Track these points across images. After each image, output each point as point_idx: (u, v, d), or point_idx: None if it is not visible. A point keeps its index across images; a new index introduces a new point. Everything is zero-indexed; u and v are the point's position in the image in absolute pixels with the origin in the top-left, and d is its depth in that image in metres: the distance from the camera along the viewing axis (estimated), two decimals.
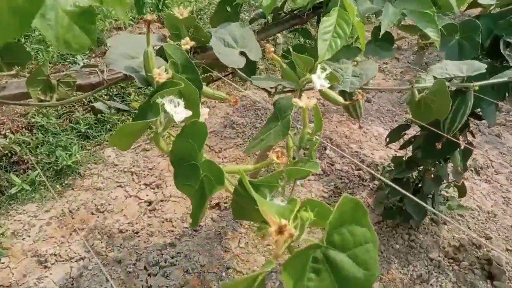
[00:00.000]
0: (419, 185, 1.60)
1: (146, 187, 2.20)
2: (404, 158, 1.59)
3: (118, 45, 0.73)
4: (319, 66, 0.69)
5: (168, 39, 0.93)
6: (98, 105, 0.99)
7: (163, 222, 1.98)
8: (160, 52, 0.91)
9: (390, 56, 1.02)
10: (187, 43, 0.83)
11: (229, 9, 1.24)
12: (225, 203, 2.07)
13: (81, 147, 2.42)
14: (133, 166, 2.34)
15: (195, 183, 0.60)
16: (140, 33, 3.21)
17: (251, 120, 2.64)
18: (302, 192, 2.11)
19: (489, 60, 1.06)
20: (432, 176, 1.47)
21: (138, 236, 1.92)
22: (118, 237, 1.91)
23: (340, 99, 0.79)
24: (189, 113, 0.58)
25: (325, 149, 2.41)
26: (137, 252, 1.84)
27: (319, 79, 0.69)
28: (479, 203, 2.08)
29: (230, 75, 1.16)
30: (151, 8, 3.75)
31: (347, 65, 0.87)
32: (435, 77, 0.88)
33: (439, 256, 1.73)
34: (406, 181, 1.55)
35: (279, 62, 0.74)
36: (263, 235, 0.44)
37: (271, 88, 0.89)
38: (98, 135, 2.51)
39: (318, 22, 1.28)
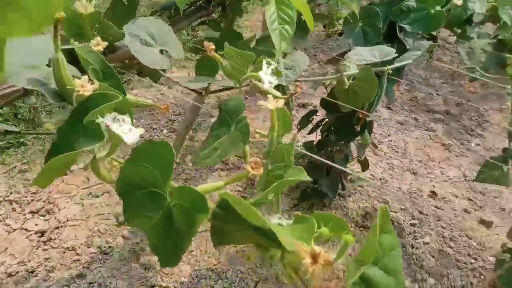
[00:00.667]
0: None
1: (33, 216, 1.86)
2: (314, 143, 1.66)
3: (13, 53, 0.56)
4: (264, 62, 0.64)
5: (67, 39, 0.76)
6: None
7: (64, 252, 1.70)
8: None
9: (307, 44, 1.03)
10: (98, 43, 0.68)
11: (125, 1, 1.09)
12: None
13: None
14: (11, 193, 1.95)
15: (155, 213, 0.49)
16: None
17: (147, 121, 2.45)
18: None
19: (389, 44, 1.15)
20: (340, 152, 1.57)
21: (35, 276, 1.61)
22: (8, 282, 1.58)
23: (278, 94, 0.76)
24: (140, 131, 0.47)
25: None
26: None
27: (266, 76, 0.64)
28: (372, 172, 2.32)
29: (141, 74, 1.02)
30: None
31: (278, 57, 0.84)
32: (357, 65, 0.91)
33: (351, 226, 1.88)
34: (320, 164, 1.62)
35: (219, 61, 0.66)
36: (292, 269, 0.38)
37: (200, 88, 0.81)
38: None
39: (223, 11, 1.22)
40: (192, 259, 1.75)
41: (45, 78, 0.57)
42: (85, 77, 0.53)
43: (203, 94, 0.80)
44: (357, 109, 1.01)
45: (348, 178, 2.03)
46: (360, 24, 1.14)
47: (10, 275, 1.61)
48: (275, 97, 0.76)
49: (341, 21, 1.24)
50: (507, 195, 2.27)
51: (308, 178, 0.44)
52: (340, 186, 1.80)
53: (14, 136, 2.17)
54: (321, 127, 1.64)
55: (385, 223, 0.37)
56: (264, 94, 0.76)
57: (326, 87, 1.57)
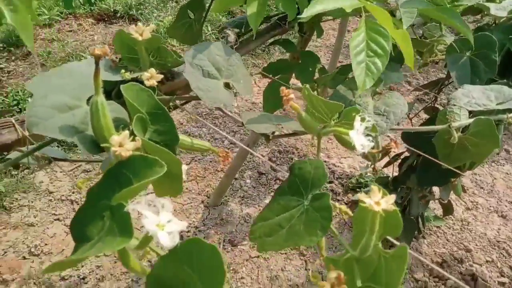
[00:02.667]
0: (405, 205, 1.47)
1: None
2: (389, 178, 1.45)
3: (46, 91, 0.46)
4: (357, 118, 0.48)
5: (119, 65, 0.66)
6: (14, 155, 0.69)
7: (115, 262, 1.68)
8: (109, 85, 0.65)
9: (399, 79, 0.84)
10: (152, 76, 0.57)
11: (192, 15, 0.99)
12: (188, 231, 1.81)
13: (5, 173, 2.01)
14: (73, 192, 1.99)
15: None
16: (74, 41, 2.78)
17: (209, 131, 2.39)
18: None
19: (504, 81, 0.92)
20: (422, 198, 1.35)
21: (86, 283, 1.60)
22: (60, 286, 1.58)
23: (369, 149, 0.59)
24: (183, 225, 0.34)
25: (292, 160, 2.23)
26: None
27: (358, 136, 0.48)
28: None
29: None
30: (81, 1, 3.30)
31: (367, 98, 0.67)
32: (469, 112, 0.71)
33: (424, 275, 1.64)
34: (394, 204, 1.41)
35: (298, 111, 0.52)
36: None
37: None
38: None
39: (300, 30, 1.08)
40: (242, 287, 1.63)
41: (82, 123, 0.47)
42: (126, 133, 0.41)
43: (270, 138, 0.66)
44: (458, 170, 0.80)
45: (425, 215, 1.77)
46: (468, 54, 0.92)
47: (63, 278, 1.62)
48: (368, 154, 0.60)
49: (440, 48, 1.03)
50: None
51: None
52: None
53: None
54: (399, 160, 1.42)
55: None
56: (348, 146, 0.60)
57: (410, 119, 1.35)
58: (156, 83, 0.58)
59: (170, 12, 3.28)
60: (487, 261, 1.73)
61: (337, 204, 0.51)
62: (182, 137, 0.61)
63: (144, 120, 0.47)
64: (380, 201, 0.34)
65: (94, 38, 3.01)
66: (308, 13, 0.64)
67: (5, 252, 1.68)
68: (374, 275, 0.38)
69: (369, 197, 0.34)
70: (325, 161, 2.25)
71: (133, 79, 0.59)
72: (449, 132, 0.68)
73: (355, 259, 0.38)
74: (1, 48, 2.69)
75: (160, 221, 0.33)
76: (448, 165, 0.73)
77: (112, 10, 3.26)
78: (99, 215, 0.40)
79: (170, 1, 3.45)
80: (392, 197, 0.34)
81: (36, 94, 0.44)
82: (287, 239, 0.46)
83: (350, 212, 0.53)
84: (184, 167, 0.55)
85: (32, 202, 1.91)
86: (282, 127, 0.68)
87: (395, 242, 0.49)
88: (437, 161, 0.73)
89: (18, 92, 2.32)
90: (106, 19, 3.23)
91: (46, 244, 1.72)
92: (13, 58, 2.68)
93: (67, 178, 2.06)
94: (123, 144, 0.41)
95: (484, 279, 1.62)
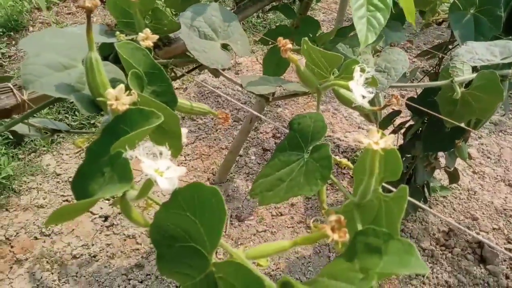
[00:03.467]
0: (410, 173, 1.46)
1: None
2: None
3: (39, 49, 0.45)
4: (357, 68, 0.47)
5: (114, 29, 0.65)
6: (19, 128, 0.70)
7: (125, 240, 1.71)
8: (105, 50, 0.64)
9: (401, 39, 0.82)
10: (147, 37, 0.57)
11: None
12: None
13: (12, 156, 2.03)
14: None
15: (197, 274, 0.37)
16: (73, 23, 2.75)
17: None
18: None
19: (510, 37, 0.90)
20: (427, 165, 1.34)
21: (97, 260, 1.63)
22: (72, 264, 1.61)
23: (368, 106, 0.58)
24: (182, 170, 0.34)
25: None
26: (98, 280, 1.56)
27: (358, 87, 0.47)
28: None
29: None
30: None
31: (367, 56, 0.66)
32: (473, 68, 0.69)
33: (430, 244, 1.64)
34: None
35: (297, 64, 0.51)
36: None
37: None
38: (31, 140, 2.12)
39: None
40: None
41: (79, 83, 0.46)
42: (121, 86, 0.41)
43: (270, 99, 0.65)
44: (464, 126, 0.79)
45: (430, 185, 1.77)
46: (472, 11, 0.89)
47: (75, 257, 1.65)
48: (366, 112, 0.61)
49: (444, 6, 1.01)
50: None
51: (426, 271, 0.28)
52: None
53: (85, 117, 2.23)
54: (404, 129, 1.41)
55: None
56: (348, 104, 0.59)
57: (413, 81, 1.33)
58: (152, 44, 0.57)
59: None
60: (493, 229, 1.73)
61: (337, 157, 0.50)
62: (181, 100, 0.60)
63: (140, 77, 0.47)
64: (378, 141, 0.34)
65: (93, 20, 2.98)
66: None
67: (17, 233, 1.72)
68: (375, 219, 0.38)
69: (368, 137, 0.34)
70: (329, 136, 2.24)
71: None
72: (452, 88, 0.67)
73: (355, 205, 0.38)
74: (1, 33, 2.68)
75: (159, 168, 0.33)
76: (453, 122, 0.72)
77: None
78: (100, 172, 0.40)
79: None
80: (391, 137, 0.34)
81: (30, 52, 0.43)
82: (288, 191, 0.46)
83: (350, 165, 0.52)
84: (184, 130, 0.55)
85: (40, 184, 1.94)
86: (282, 89, 0.67)
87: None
88: (442, 118, 0.72)
89: (20, 76, 2.32)
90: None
91: (56, 225, 1.75)
92: (13, 43, 2.67)
93: (73, 160, 2.08)
94: (119, 98, 0.41)
95: (490, 246, 1.62)
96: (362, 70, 0.47)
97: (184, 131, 0.54)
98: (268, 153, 2.13)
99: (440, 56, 1.26)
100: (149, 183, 0.34)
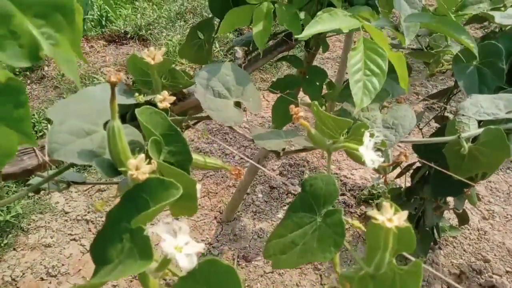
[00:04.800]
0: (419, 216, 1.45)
1: None
2: (402, 189, 1.44)
3: (64, 116, 0.48)
4: (366, 133, 0.49)
5: (132, 88, 0.69)
6: (35, 180, 0.72)
7: (131, 281, 1.69)
8: (123, 109, 0.67)
9: (404, 92, 0.85)
10: (164, 99, 0.59)
11: (201, 36, 1.01)
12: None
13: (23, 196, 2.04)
14: (88, 212, 2.01)
15: None
16: (92, 81, 2.84)
17: (220, 146, 2.41)
18: None
19: None
20: (436, 208, 1.33)
21: None
22: None
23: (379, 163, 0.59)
24: (200, 247, 0.35)
25: (303, 173, 2.23)
26: None
27: (368, 152, 0.48)
28: None
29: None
30: (92, 24, 3.40)
31: (375, 112, 0.68)
32: (479, 122, 0.71)
33: None
34: (408, 216, 1.39)
35: (308, 128, 0.53)
36: None
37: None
38: None
39: (307, 45, 1.09)
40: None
41: (100, 147, 0.48)
42: (142, 156, 0.43)
43: (280, 154, 0.67)
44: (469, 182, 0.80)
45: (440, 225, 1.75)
46: (475, 62, 0.92)
47: None
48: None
49: (446, 58, 1.04)
50: None
51: None
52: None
53: None
54: (411, 171, 1.42)
55: None
56: (358, 160, 0.61)
57: (420, 129, 1.35)
58: (169, 105, 0.60)
59: (178, 31, 3.35)
60: (507, 272, 1.69)
61: (349, 219, 0.51)
62: (195, 156, 0.62)
63: (158, 143, 0.49)
64: (392, 218, 0.35)
65: (106, 59, 3.08)
66: (306, 33, 0.66)
67: (24, 274, 1.71)
68: None
69: (381, 213, 0.35)
70: (336, 173, 2.24)
71: (146, 102, 0.61)
72: (459, 143, 0.68)
73: (370, 276, 0.38)
74: (17, 73, 2.77)
75: (178, 244, 0.34)
76: (460, 176, 0.73)
77: (122, 31, 3.34)
78: (119, 238, 0.41)
79: (178, 20, 3.52)
80: (405, 214, 0.35)
81: (55, 121, 0.46)
82: (301, 256, 0.47)
83: (363, 227, 0.53)
84: (198, 186, 0.56)
85: (48, 223, 1.94)
86: (292, 143, 0.69)
87: (410, 257, 0.49)
88: (448, 173, 0.73)
89: (34, 114, 2.38)
90: (117, 40, 3.32)
91: (63, 265, 1.74)
92: (28, 82, 2.76)
93: (82, 198, 2.09)
94: (139, 167, 0.43)
95: None
96: (371, 135, 0.49)
97: (198, 187, 0.56)
98: (275, 191, 2.14)
99: (445, 100, 1.29)
100: (168, 260, 0.35)
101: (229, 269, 0.33)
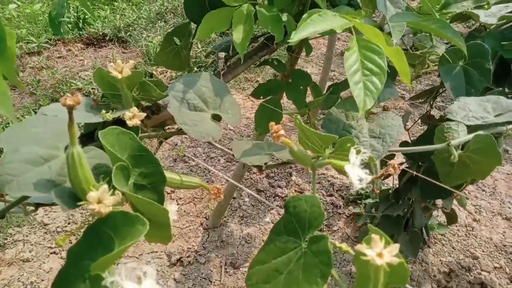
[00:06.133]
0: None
1: None
2: (390, 190, 1.42)
3: (18, 143, 0.43)
4: (352, 150, 0.45)
5: (100, 103, 0.64)
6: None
7: None
8: (90, 126, 0.62)
9: (392, 95, 0.82)
10: (134, 116, 0.55)
11: (178, 41, 0.96)
12: (187, 256, 1.76)
13: None
14: (69, 223, 1.94)
15: None
16: (64, 68, 2.74)
17: (204, 150, 2.36)
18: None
19: (500, 89, 0.90)
20: (425, 210, 1.31)
21: None
22: None
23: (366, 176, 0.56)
24: None
25: (291, 175, 2.20)
26: None
27: (354, 169, 0.45)
28: None
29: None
30: (69, 26, 3.29)
31: (361, 121, 0.65)
32: (467, 126, 0.68)
33: (431, 287, 1.59)
34: (397, 217, 1.37)
35: (290, 146, 0.49)
36: None
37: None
38: None
39: (289, 49, 1.06)
40: None
41: (60, 175, 0.44)
42: (104, 187, 0.38)
43: (263, 169, 0.63)
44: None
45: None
46: (461, 63, 0.90)
47: None
48: None
49: (431, 58, 1.02)
50: None
51: None
52: None
53: None
54: (401, 175, 1.40)
55: None
56: (344, 173, 0.57)
57: (407, 130, 1.33)
58: (139, 122, 0.55)
59: (159, 32, 3.27)
60: (495, 268, 1.69)
61: (337, 243, 0.47)
62: (169, 175, 0.58)
63: (125, 168, 0.44)
64: (382, 252, 0.31)
65: (84, 63, 2.99)
66: (297, 36, 0.62)
67: None
68: None
69: (371, 248, 0.31)
70: (323, 174, 2.22)
71: (114, 120, 0.56)
72: (448, 150, 0.65)
73: None
74: None
75: None
76: (450, 183, 0.70)
77: (101, 33, 3.25)
78: (82, 277, 0.37)
79: (159, 21, 3.45)
80: (396, 247, 0.31)
81: (7, 149, 0.41)
82: (286, 286, 0.43)
83: (351, 251, 0.49)
84: (174, 208, 0.52)
85: (26, 236, 1.86)
86: (275, 157, 0.65)
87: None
88: (437, 183, 0.70)
89: (8, 123, 2.29)
90: (95, 43, 3.22)
91: (42, 280, 1.67)
92: None
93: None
94: (102, 200, 0.38)
95: (494, 286, 1.58)
96: (358, 152, 0.46)
97: (173, 208, 0.51)
98: (262, 194, 2.10)
99: (431, 100, 1.27)
100: None
101: None
